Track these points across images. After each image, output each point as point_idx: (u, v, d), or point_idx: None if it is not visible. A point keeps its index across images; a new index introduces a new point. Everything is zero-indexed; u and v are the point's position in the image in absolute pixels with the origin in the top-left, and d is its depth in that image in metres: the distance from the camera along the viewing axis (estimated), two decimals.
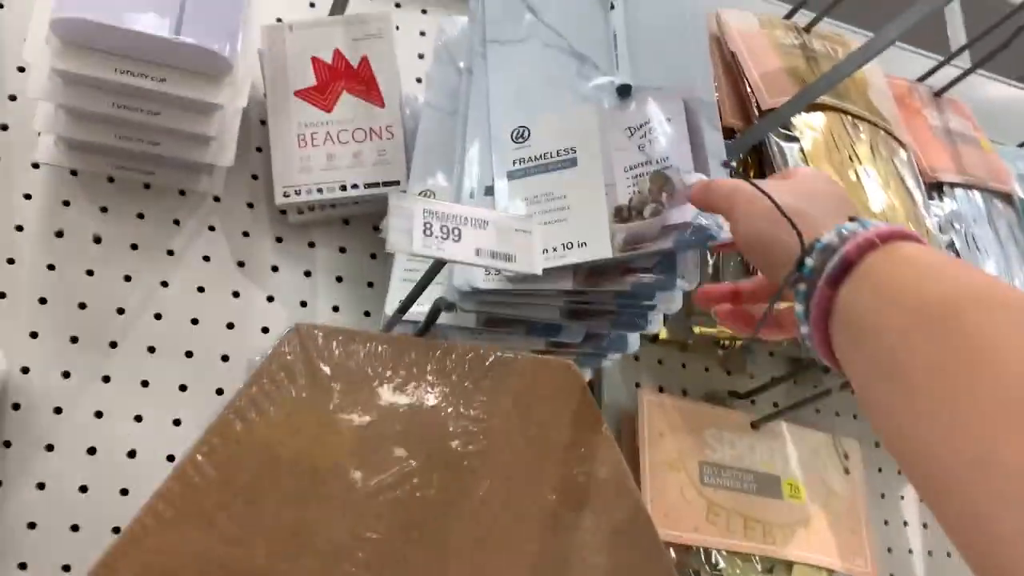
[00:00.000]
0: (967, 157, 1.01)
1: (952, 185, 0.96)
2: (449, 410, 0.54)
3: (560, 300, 0.68)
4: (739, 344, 0.98)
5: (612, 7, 0.67)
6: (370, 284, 0.88)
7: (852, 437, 1.03)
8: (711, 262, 0.85)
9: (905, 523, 1.09)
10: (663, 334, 0.96)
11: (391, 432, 0.51)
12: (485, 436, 0.54)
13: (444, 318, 0.71)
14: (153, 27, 0.65)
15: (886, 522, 1.07)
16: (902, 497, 1.10)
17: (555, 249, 0.59)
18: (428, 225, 0.52)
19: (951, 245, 0.94)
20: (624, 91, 0.64)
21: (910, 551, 1.08)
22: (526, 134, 0.66)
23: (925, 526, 1.10)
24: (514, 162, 0.65)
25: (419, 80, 0.97)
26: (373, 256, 0.89)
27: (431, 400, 0.54)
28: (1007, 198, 1.03)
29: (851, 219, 0.47)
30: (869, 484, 1.03)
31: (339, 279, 0.87)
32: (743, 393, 1.00)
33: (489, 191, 0.64)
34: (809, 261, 0.45)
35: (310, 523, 0.47)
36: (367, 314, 0.87)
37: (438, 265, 0.57)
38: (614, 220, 0.59)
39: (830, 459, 0.99)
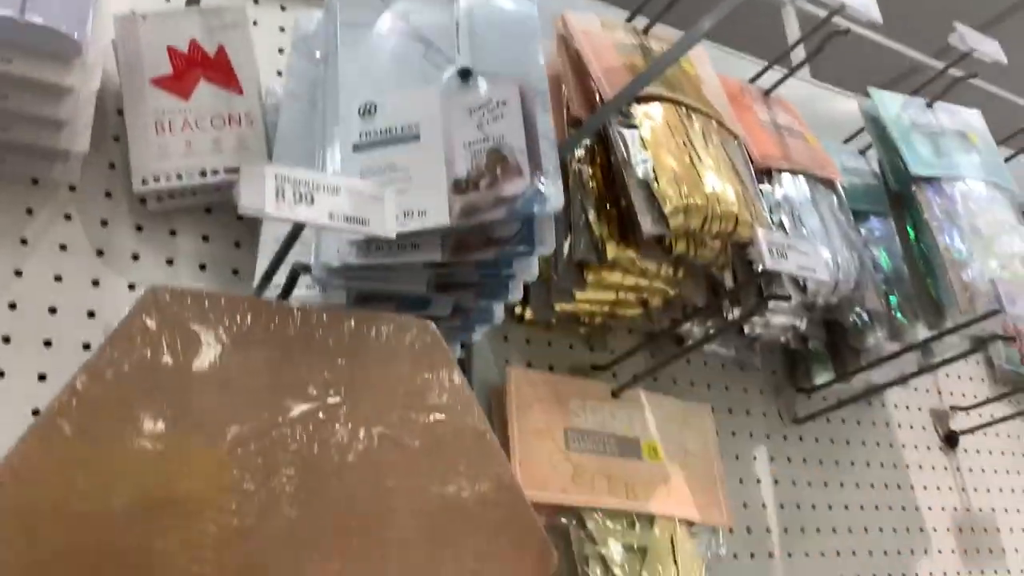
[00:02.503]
0: (793, 148, 1.11)
1: (780, 171, 1.06)
2: (310, 367, 0.56)
3: (427, 273, 0.72)
4: (599, 321, 1.04)
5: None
6: (235, 271, 0.89)
7: (706, 403, 1.11)
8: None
9: (758, 480, 1.18)
10: (528, 315, 1.00)
11: (251, 387, 0.53)
12: (347, 391, 0.57)
13: (313, 296, 0.74)
14: None
15: (741, 480, 1.16)
16: (754, 457, 1.19)
17: (396, 217, 0.62)
18: (280, 189, 0.54)
19: (780, 225, 1.04)
20: (465, 74, 0.68)
21: (763, 505, 1.17)
22: (373, 109, 0.69)
23: (776, 482, 1.19)
24: (360, 135, 0.68)
25: (279, 74, 0.98)
26: (237, 244, 0.90)
27: (293, 358, 0.56)
28: (829, 184, 1.14)
29: None
30: (723, 446, 1.11)
31: (202, 267, 0.88)
32: (604, 365, 1.06)
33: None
34: None
35: (170, 476, 0.49)
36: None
37: (296, 231, 0.59)
38: (452, 192, 0.64)
39: (685, 423, 1.06)
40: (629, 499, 0.95)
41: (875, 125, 1.19)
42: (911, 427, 1.40)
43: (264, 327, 0.56)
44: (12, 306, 0.77)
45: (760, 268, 0.80)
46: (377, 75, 0.71)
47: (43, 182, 0.82)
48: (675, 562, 0.94)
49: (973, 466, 1.44)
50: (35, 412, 0.76)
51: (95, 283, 0.82)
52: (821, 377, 1.23)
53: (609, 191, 0.90)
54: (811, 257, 0.81)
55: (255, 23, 0.96)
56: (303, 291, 0.72)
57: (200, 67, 0.85)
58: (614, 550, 0.91)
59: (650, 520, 0.96)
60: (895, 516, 1.30)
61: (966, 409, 1.42)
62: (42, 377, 0.77)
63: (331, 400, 0.56)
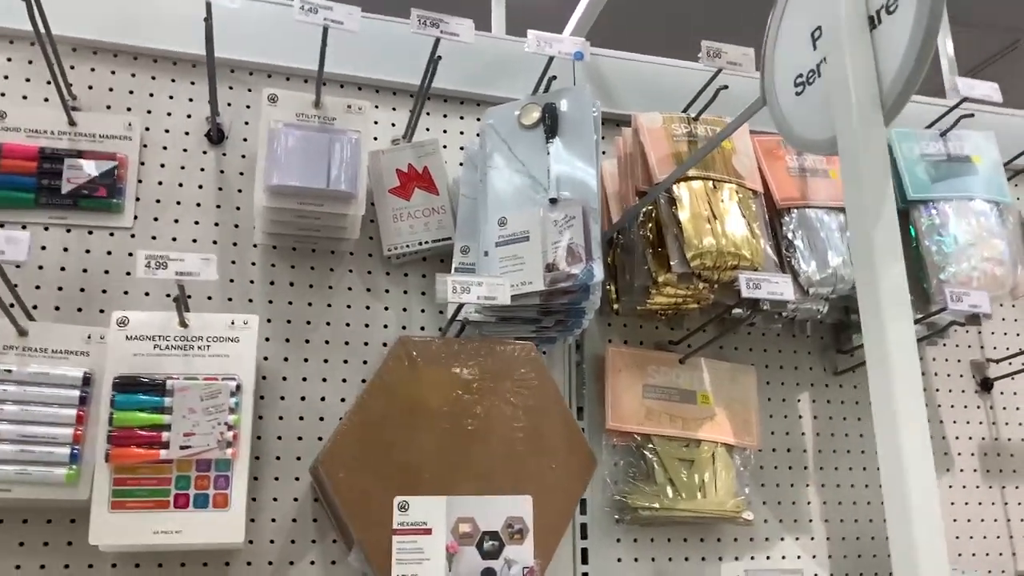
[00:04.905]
0: (813, 186, 1.54)
1: (791, 209, 1.50)
2: (473, 367, 1.18)
3: (535, 308, 1.30)
4: (671, 313, 1.57)
5: (548, 153, 1.27)
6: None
7: (752, 365, 1.61)
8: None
9: (800, 416, 1.67)
10: (618, 310, 1.56)
11: (449, 379, 1.15)
12: (488, 378, 1.18)
13: (478, 316, 1.35)
14: (317, 183, 1.29)
15: (785, 416, 1.66)
16: (799, 400, 1.68)
17: (515, 285, 1.21)
18: (454, 286, 1.15)
19: (789, 248, 1.49)
20: (553, 201, 1.24)
21: (802, 433, 1.66)
22: (504, 221, 1.27)
23: (816, 417, 1.67)
24: (498, 236, 1.27)
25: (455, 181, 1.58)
26: None
27: (464, 370, 1.18)
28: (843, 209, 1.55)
29: None
30: (762, 394, 1.61)
31: (423, 293, 1.52)
32: (677, 340, 1.60)
33: (486, 254, 1.28)
34: None
35: (419, 424, 1.13)
36: (441, 312, 1.51)
37: (460, 306, 1.20)
38: (545, 271, 1.21)
39: (733, 379, 1.58)
40: (684, 429, 1.50)
41: (890, 155, 1.58)
42: (948, 375, 1.79)
43: (451, 349, 1.18)
44: (328, 323, 1.46)
45: (741, 295, 1.29)
46: (506, 199, 1.29)
47: (337, 252, 1.49)
48: (713, 468, 1.48)
49: (1007, 405, 1.81)
50: (343, 380, 1.44)
51: (367, 307, 1.48)
52: (858, 340, 1.67)
53: (659, 240, 1.42)
54: (780, 285, 1.29)
55: (444, 146, 1.56)
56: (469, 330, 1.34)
57: (415, 180, 1.47)
58: (671, 458, 1.47)
59: (697, 443, 1.50)
60: None
61: (998, 361, 1.79)
62: (345, 361, 1.45)
63: (480, 382, 1.17)
